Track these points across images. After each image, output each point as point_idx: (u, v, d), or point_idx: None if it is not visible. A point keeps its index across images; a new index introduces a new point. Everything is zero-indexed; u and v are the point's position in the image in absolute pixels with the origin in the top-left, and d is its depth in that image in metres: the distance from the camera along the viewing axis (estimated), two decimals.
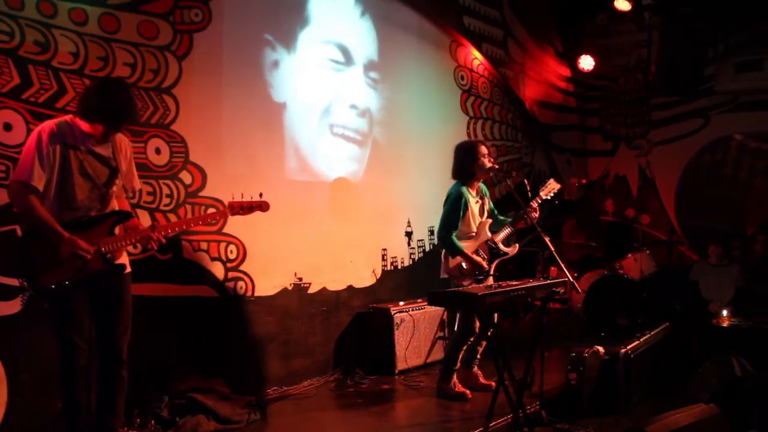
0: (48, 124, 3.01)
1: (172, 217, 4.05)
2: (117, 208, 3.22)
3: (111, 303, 3.14)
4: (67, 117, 3.09)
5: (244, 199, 3.39)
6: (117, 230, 3.14)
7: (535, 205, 4.39)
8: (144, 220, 3.85)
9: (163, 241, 3.20)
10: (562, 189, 4.35)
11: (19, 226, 3.34)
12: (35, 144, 2.93)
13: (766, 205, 7.27)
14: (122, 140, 3.23)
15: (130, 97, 3.10)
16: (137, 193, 3.71)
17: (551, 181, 4.59)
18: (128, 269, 3.21)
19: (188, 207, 4.15)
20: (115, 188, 3.17)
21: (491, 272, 4.41)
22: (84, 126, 3.05)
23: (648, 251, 6.62)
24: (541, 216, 4.41)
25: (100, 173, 3.10)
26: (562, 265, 3.95)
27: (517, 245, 4.58)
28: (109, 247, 3.07)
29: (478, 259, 4.32)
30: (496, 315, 4.27)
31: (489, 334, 4.22)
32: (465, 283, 4.28)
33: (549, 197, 4.54)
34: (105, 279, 3.09)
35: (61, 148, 2.98)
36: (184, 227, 3.54)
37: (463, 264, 4.31)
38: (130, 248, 3.45)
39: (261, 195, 3.42)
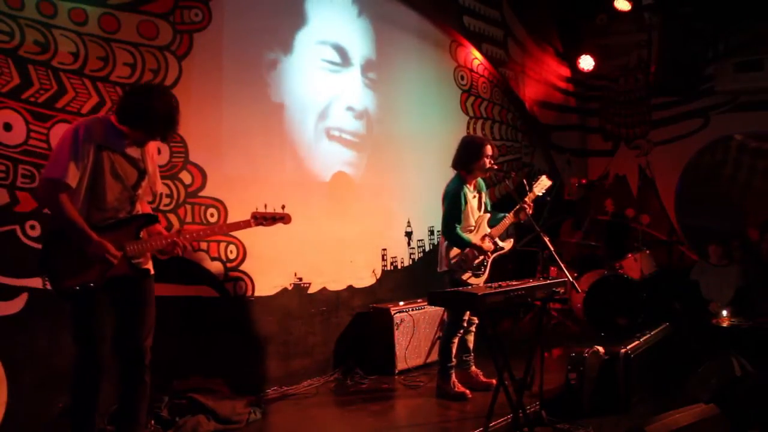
0: (84, 122, 2.92)
1: (172, 217, 4.06)
2: (142, 212, 3.15)
3: (135, 306, 3.05)
4: (101, 116, 3.00)
5: (267, 210, 3.37)
6: (142, 234, 3.06)
7: (529, 201, 4.43)
8: None
9: (189, 248, 3.11)
10: (554, 185, 4.38)
11: (19, 226, 3.36)
12: (71, 141, 2.82)
13: (766, 205, 7.27)
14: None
15: (178, 107, 3.01)
16: (158, 197, 3.67)
17: (543, 177, 4.62)
18: (152, 272, 3.14)
19: (188, 207, 4.16)
20: (141, 190, 3.09)
21: (489, 262, 4.44)
22: (121, 126, 2.95)
23: (648, 251, 6.62)
24: (541, 215, 4.42)
25: (129, 175, 3.01)
26: (562, 265, 3.96)
27: (512, 240, 4.62)
28: (135, 250, 2.98)
29: (488, 245, 4.36)
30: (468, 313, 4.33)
31: (464, 324, 4.40)
32: (465, 276, 4.31)
33: (542, 193, 4.58)
34: (129, 282, 3.00)
35: (95, 148, 2.87)
36: (209, 233, 3.49)
37: (467, 253, 4.32)
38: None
39: (283, 207, 3.41)
